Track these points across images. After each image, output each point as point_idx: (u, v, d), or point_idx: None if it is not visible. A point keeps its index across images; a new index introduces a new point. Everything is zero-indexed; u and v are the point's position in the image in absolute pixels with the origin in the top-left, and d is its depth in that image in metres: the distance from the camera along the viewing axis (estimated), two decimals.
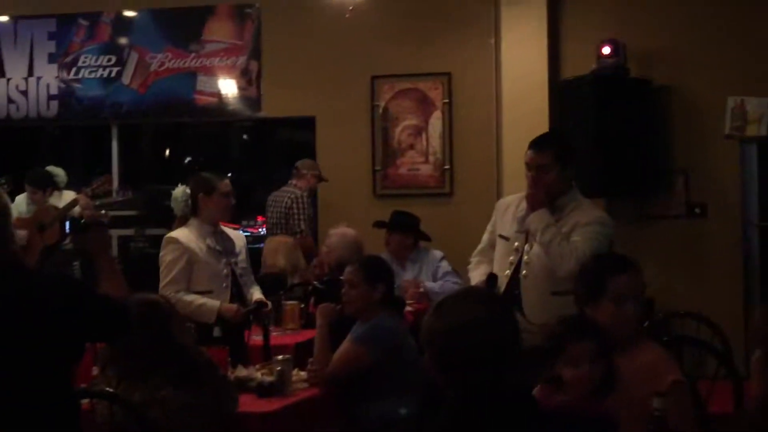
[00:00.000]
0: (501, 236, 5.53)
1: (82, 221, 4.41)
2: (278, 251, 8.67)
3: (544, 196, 5.35)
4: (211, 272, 6.68)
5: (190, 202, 6.97)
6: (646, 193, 9.22)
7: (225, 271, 6.75)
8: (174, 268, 6.65)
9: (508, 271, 5.41)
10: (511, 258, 5.43)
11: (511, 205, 5.60)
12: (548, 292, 5.24)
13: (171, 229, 8.68)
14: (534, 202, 5.35)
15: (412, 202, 9.35)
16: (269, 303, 6.92)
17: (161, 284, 6.68)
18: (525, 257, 5.38)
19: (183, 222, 7.18)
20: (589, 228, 5.32)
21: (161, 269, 6.71)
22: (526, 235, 5.40)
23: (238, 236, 7.11)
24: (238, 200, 7.25)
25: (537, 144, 5.47)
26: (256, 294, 6.89)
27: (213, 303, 6.55)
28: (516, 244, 5.44)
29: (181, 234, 6.77)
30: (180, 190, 7.95)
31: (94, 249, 4.16)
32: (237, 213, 11.21)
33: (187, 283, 6.64)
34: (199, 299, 6.57)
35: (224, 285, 6.73)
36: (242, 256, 6.88)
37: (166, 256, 6.70)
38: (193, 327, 5.96)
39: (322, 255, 8.43)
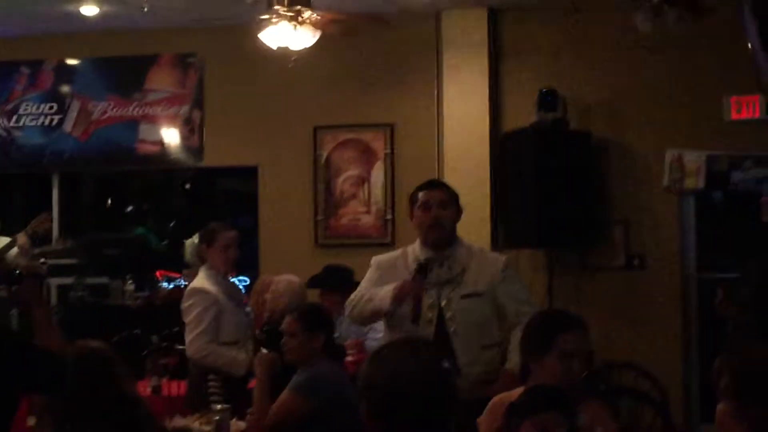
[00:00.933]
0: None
1: (17, 272, 4.38)
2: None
3: (445, 232, 5.43)
4: (236, 322, 6.64)
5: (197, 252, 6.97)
6: (586, 244, 9.29)
7: (245, 319, 6.74)
8: (204, 319, 6.61)
9: (429, 330, 5.36)
10: (428, 316, 5.40)
11: (397, 261, 5.63)
12: (479, 345, 5.30)
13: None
14: (438, 237, 5.40)
15: (354, 252, 9.35)
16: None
17: (190, 336, 6.58)
18: (447, 313, 5.37)
19: (195, 271, 7.17)
20: (512, 279, 5.55)
21: (188, 320, 6.60)
22: (439, 290, 5.41)
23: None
24: (178, 249, 7.25)
25: (433, 184, 5.68)
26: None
27: (243, 355, 6.46)
28: (429, 301, 5.41)
29: (206, 284, 6.74)
30: (190, 240, 7.97)
31: (30, 300, 4.13)
32: (178, 262, 11.22)
33: (216, 333, 6.56)
34: (233, 351, 6.51)
35: (247, 334, 6.69)
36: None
37: (193, 307, 6.64)
38: (218, 379, 5.94)
39: (264, 303, 8.39)
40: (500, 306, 5.41)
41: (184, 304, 6.72)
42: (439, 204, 5.44)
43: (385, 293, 5.45)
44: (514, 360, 5.22)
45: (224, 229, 6.95)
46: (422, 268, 5.37)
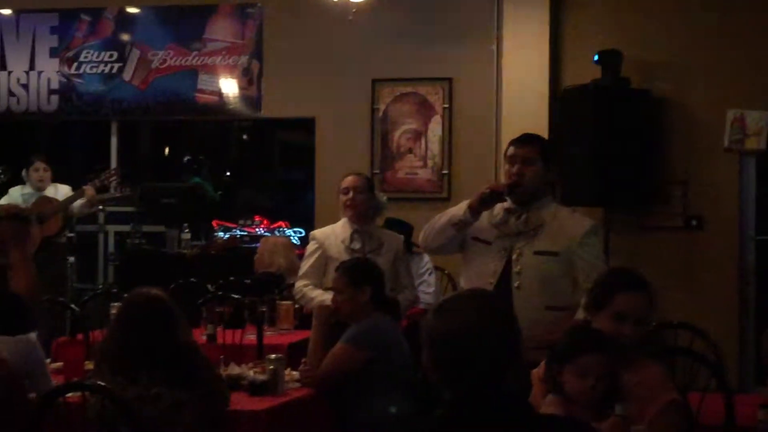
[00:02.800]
0: (479, 240, 5.34)
1: None
2: (276, 251, 8.70)
3: (527, 188, 5.27)
4: None
5: None
6: (644, 204, 9.23)
7: None
8: (306, 263, 6.82)
9: (491, 280, 5.20)
10: (495, 265, 5.25)
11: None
12: (543, 306, 5.11)
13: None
14: (516, 191, 5.25)
15: (409, 206, 9.36)
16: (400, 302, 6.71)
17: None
18: (516, 267, 5.22)
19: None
20: (592, 247, 5.31)
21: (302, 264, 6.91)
22: (512, 241, 5.26)
23: (391, 238, 6.97)
24: (233, 199, 7.27)
25: (522, 139, 5.44)
26: (400, 296, 6.69)
27: (326, 298, 6.39)
28: (501, 250, 5.27)
29: (322, 230, 6.92)
30: None
31: (6, 242, 4.18)
32: (233, 212, 11.28)
33: (320, 278, 6.67)
34: (319, 295, 6.55)
35: None
36: (385, 258, 6.70)
37: (306, 250, 6.91)
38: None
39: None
40: (574, 270, 5.21)
41: None
42: (523, 160, 5.28)
43: (462, 203, 5.32)
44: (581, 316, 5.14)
45: (350, 174, 6.97)
46: (485, 199, 5.23)
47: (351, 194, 6.79)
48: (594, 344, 3.72)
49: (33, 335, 5.25)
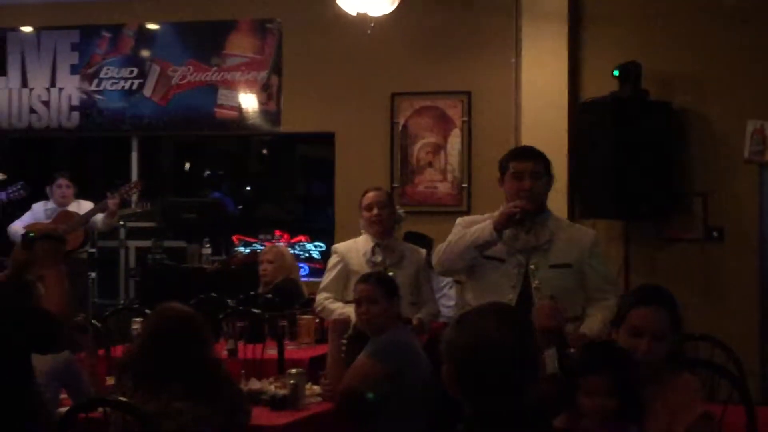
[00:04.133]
0: (491, 258, 5.35)
1: (31, 234, 4.46)
2: (288, 256, 8.76)
3: (535, 204, 5.30)
4: None
5: None
6: (665, 215, 9.21)
7: None
8: (328, 277, 6.85)
9: (511, 296, 5.21)
10: (513, 283, 5.27)
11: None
12: None
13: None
14: (528, 207, 5.26)
15: (429, 220, 9.37)
16: (414, 321, 6.62)
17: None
18: (534, 282, 5.24)
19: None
20: (600, 257, 5.43)
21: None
22: (527, 256, 5.29)
23: (413, 252, 6.95)
24: (253, 214, 7.29)
25: (527, 153, 5.49)
26: (418, 314, 6.66)
27: (347, 310, 6.38)
28: (516, 266, 5.29)
29: (345, 244, 6.95)
30: None
31: (41, 262, 4.22)
32: (253, 226, 11.31)
33: (341, 291, 6.70)
34: (340, 307, 6.57)
35: None
36: (407, 272, 6.71)
37: (328, 263, 6.95)
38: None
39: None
40: (585, 280, 5.31)
41: None
42: (532, 175, 5.32)
43: (482, 225, 5.32)
44: (589, 326, 5.17)
45: (370, 190, 6.96)
46: (513, 219, 5.24)
47: (375, 210, 6.78)
48: (601, 364, 3.71)
49: (70, 354, 5.30)
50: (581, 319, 5.21)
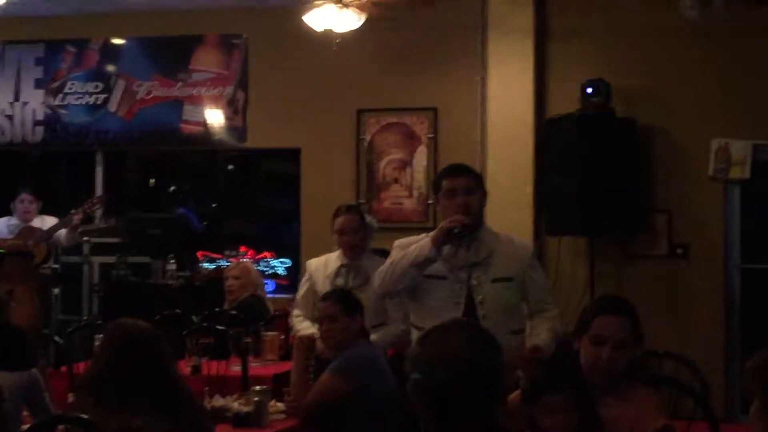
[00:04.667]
0: (432, 276, 5.31)
1: (1, 251, 4.43)
2: (253, 272, 8.72)
3: (471, 220, 5.26)
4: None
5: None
6: (629, 232, 9.24)
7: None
8: (300, 293, 6.88)
9: (455, 312, 5.17)
10: (457, 299, 5.24)
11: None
12: (508, 331, 5.15)
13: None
14: (467, 224, 5.22)
15: (395, 236, 9.21)
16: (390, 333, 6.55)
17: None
18: (477, 297, 5.22)
19: None
20: (538, 268, 5.51)
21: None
22: (468, 272, 5.27)
23: None
24: (219, 230, 7.24)
25: (456, 170, 5.45)
26: (391, 327, 6.52)
27: (311, 331, 6.32)
28: (458, 283, 5.27)
29: (316, 261, 6.93)
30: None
31: (11, 278, 4.21)
32: (219, 243, 11.26)
33: (310, 309, 6.62)
34: (305, 328, 6.51)
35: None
36: (371, 292, 6.42)
37: (303, 281, 6.95)
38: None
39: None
40: (526, 292, 5.35)
41: None
42: (465, 191, 5.29)
43: (421, 243, 5.29)
44: (540, 337, 5.17)
45: (341, 214, 6.89)
46: (452, 233, 5.22)
47: (345, 237, 6.79)
48: (558, 382, 3.72)
49: (34, 371, 5.26)
50: (524, 331, 5.27)
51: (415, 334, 5.34)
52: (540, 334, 5.22)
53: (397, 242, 5.54)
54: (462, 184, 5.30)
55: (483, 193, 5.42)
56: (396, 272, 5.34)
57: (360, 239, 6.82)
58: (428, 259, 5.22)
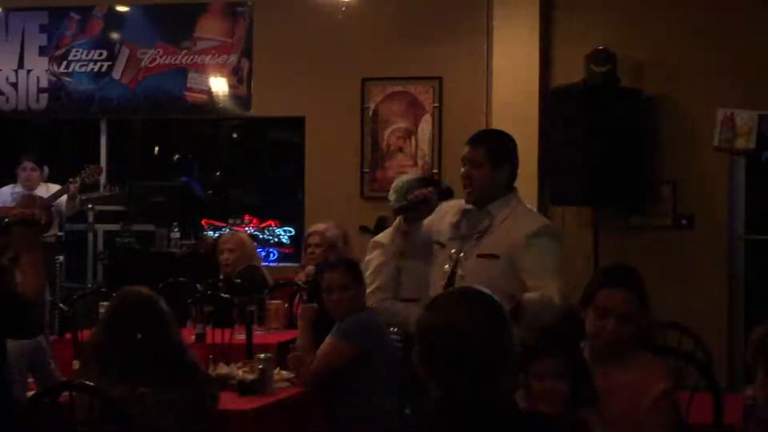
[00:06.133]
0: (438, 242, 5.20)
1: (6, 220, 4.44)
2: (250, 246, 8.70)
3: (475, 190, 5.11)
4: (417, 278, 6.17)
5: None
6: (634, 202, 9.23)
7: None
8: (379, 275, 5.84)
9: (442, 283, 5.04)
10: (446, 267, 5.10)
11: (449, 210, 5.26)
12: None
13: None
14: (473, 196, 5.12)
15: None
16: None
17: (368, 290, 5.86)
18: (460, 270, 5.05)
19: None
20: (538, 248, 5.06)
21: (367, 274, 5.89)
22: (460, 245, 5.11)
23: None
24: (225, 198, 7.18)
25: (470, 140, 5.26)
26: None
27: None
28: (450, 253, 5.11)
29: (385, 237, 6.01)
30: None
31: (17, 247, 4.22)
32: (223, 211, 11.27)
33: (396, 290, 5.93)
34: (406, 310, 6.02)
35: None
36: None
37: (372, 260, 5.86)
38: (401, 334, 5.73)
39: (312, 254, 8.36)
40: (519, 271, 5.00)
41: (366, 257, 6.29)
42: (471, 163, 5.11)
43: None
44: (526, 295, 4.81)
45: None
46: (416, 202, 5.16)
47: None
48: (548, 347, 3.74)
49: (40, 337, 5.27)
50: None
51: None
52: (529, 295, 4.87)
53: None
54: (469, 155, 5.14)
55: (495, 166, 5.12)
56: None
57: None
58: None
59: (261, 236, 10.39)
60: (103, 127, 11.07)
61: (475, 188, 5.11)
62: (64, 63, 10.82)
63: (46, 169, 10.24)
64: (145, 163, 13.66)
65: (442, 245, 5.17)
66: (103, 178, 10.62)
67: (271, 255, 10.47)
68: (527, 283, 4.97)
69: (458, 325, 2.90)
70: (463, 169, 5.14)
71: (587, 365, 3.79)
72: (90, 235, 10.76)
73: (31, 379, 5.44)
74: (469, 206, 5.13)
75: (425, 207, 5.18)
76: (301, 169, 10.41)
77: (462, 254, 5.07)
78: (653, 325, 6.61)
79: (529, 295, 4.75)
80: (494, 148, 5.17)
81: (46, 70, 10.86)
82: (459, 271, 5.05)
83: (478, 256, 5.04)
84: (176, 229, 10.18)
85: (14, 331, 4.51)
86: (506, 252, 5.01)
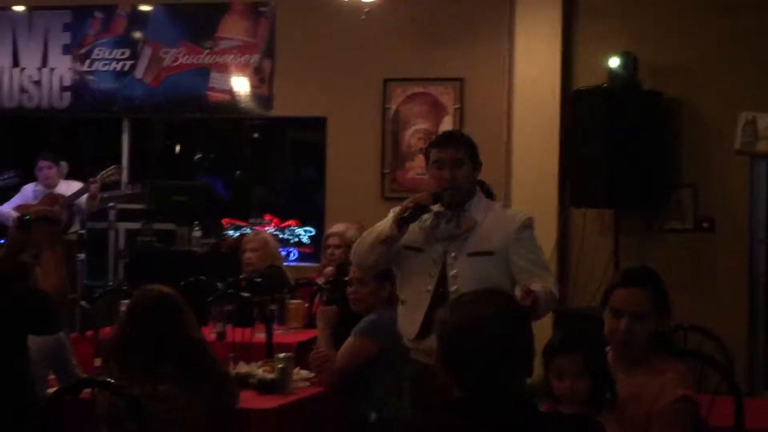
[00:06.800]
0: (410, 248, 5.07)
1: (26, 217, 4.47)
2: (273, 246, 8.70)
3: (458, 191, 5.03)
4: None
5: None
6: (655, 205, 9.21)
7: None
8: None
9: (429, 287, 5.00)
10: (430, 272, 5.02)
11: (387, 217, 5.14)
12: None
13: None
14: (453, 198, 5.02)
15: None
16: None
17: None
18: (451, 271, 4.98)
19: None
20: (526, 241, 5.06)
21: None
22: (445, 245, 5.02)
23: None
24: (244, 198, 7.17)
25: (446, 140, 5.18)
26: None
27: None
28: (434, 256, 5.03)
29: None
30: None
31: (39, 244, 4.25)
32: (244, 210, 11.29)
33: None
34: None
35: None
36: None
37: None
38: None
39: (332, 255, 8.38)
40: (512, 266, 4.99)
41: None
42: (453, 163, 5.02)
43: (387, 218, 5.07)
44: (533, 285, 4.72)
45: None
46: (406, 218, 4.93)
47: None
48: (565, 346, 3.75)
49: (61, 334, 5.30)
50: None
51: (399, 306, 5.16)
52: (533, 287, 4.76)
53: (392, 210, 5.21)
54: (450, 156, 5.05)
55: (474, 164, 5.13)
56: (365, 246, 5.13)
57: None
58: (390, 236, 4.98)
59: (281, 236, 10.39)
60: (126, 126, 11.11)
61: (459, 189, 5.03)
62: (87, 61, 10.86)
63: (63, 164, 10.31)
64: (167, 162, 13.68)
65: (419, 250, 5.07)
66: (124, 177, 10.66)
67: (292, 255, 10.48)
68: (521, 276, 4.95)
69: (484, 325, 2.92)
70: (444, 171, 5.04)
71: (609, 368, 3.79)
72: (111, 233, 10.80)
73: (52, 376, 5.46)
74: (441, 208, 5.03)
75: (424, 212, 5.04)
76: (322, 170, 10.43)
77: (453, 254, 5.01)
78: (675, 328, 6.61)
79: (538, 289, 4.68)
80: (472, 147, 5.14)
81: (69, 69, 10.90)
82: (451, 272, 4.98)
83: (470, 254, 4.99)
84: (197, 228, 10.20)
85: (35, 328, 4.54)
86: (499, 248, 4.99)
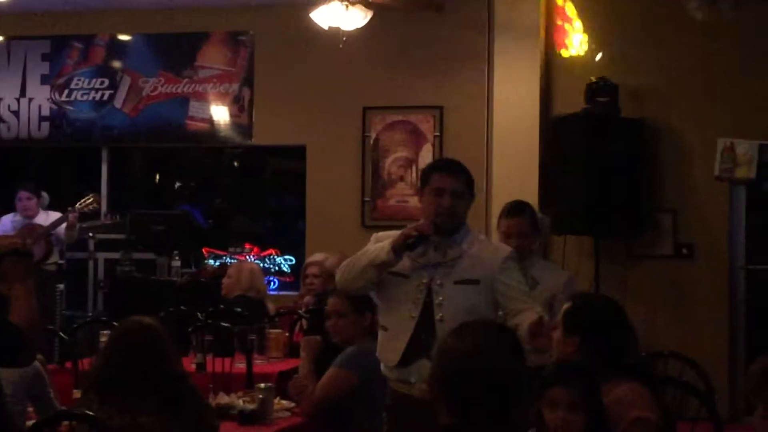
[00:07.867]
0: (395, 273, 5.03)
1: None
2: (255, 276, 8.63)
3: (453, 221, 5.02)
4: None
5: None
6: (634, 231, 9.23)
7: None
8: None
9: (413, 314, 4.95)
10: (415, 299, 4.98)
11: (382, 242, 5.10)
12: None
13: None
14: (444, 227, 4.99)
15: None
16: None
17: None
18: (437, 299, 4.96)
19: None
20: (511, 271, 5.06)
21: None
22: (431, 273, 4.99)
23: None
24: (226, 227, 7.17)
25: (453, 168, 5.16)
26: None
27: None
28: (420, 283, 4.99)
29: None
30: None
31: (9, 277, 4.23)
32: (224, 240, 11.27)
33: None
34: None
35: None
36: None
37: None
38: None
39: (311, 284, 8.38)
40: (499, 296, 4.98)
41: None
42: (453, 194, 5.00)
43: (382, 244, 5.00)
44: (535, 311, 4.79)
45: (509, 215, 6.46)
46: (409, 245, 4.90)
47: (511, 240, 5.98)
48: (557, 376, 3.73)
49: (37, 364, 5.26)
50: None
51: (379, 333, 5.12)
52: (530, 315, 4.78)
53: (374, 235, 5.22)
54: (453, 185, 5.03)
55: (471, 197, 5.13)
56: (356, 268, 5.05)
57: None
58: (385, 262, 4.94)
59: (262, 264, 10.37)
60: (105, 156, 11.08)
61: (454, 219, 5.02)
62: (66, 91, 10.85)
63: (45, 195, 10.27)
64: (146, 191, 13.67)
65: (405, 276, 5.04)
66: (104, 207, 10.63)
67: (272, 284, 10.46)
68: (509, 305, 4.96)
69: (485, 353, 2.92)
70: (444, 200, 5.02)
71: (603, 405, 3.74)
72: (90, 263, 10.77)
73: (30, 409, 5.42)
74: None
75: (424, 241, 5.01)
76: (302, 198, 10.42)
77: (439, 282, 4.98)
78: (654, 355, 6.62)
79: (539, 312, 4.75)
80: (469, 178, 5.13)
81: (48, 99, 10.88)
82: (437, 300, 4.95)
83: (456, 282, 4.97)
84: (177, 258, 10.18)
85: (5, 360, 4.51)
86: (485, 278, 4.98)
